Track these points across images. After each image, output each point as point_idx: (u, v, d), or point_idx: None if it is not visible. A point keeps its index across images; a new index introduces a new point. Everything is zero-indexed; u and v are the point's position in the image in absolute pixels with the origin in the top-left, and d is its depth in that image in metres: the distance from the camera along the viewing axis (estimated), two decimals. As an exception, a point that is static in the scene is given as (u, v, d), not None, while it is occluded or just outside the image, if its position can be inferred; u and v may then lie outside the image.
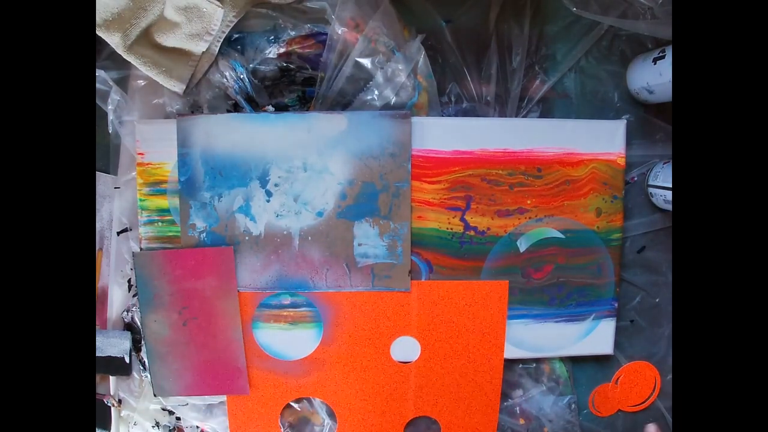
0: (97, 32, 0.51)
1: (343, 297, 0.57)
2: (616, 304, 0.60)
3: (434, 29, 0.56)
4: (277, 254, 0.57)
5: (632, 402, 0.63)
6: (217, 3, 0.52)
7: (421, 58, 0.55)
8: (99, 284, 0.59)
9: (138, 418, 0.61)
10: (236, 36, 0.55)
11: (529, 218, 0.58)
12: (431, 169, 0.56)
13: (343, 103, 0.56)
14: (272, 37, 0.55)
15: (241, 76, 0.55)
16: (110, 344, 0.59)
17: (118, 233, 0.58)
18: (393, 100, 0.55)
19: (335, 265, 0.57)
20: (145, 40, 0.53)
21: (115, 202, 0.58)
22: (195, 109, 0.57)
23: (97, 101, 0.56)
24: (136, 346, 0.60)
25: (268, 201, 0.56)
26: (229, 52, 0.55)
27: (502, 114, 0.58)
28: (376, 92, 0.55)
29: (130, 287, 0.59)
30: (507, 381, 0.61)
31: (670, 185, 0.55)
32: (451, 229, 0.57)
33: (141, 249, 0.57)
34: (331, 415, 0.60)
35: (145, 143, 0.56)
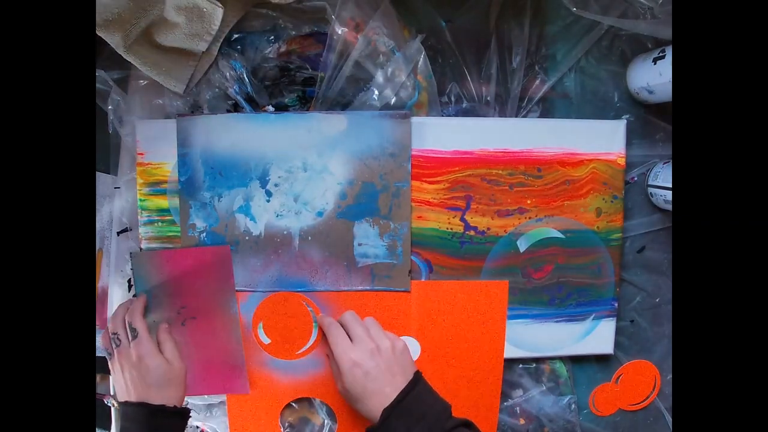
0: (97, 32, 0.51)
1: (343, 297, 0.57)
2: (616, 304, 0.60)
3: (434, 29, 0.56)
4: (277, 254, 0.57)
5: (632, 401, 0.63)
6: (217, 3, 0.52)
7: (421, 58, 0.55)
8: (99, 284, 0.59)
9: (138, 418, 0.61)
10: (236, 36, 0.55)
11: (529, 218, 0.58)
12: (431, 169, 0.56)
13: (343, 103, 0.56)
14: (272, 37, 0.55)
15: (241, 76, 0.55)
16: (110, 344, 0.59)
17: (118, 233, 0.58)
18: (393, 100, 0.55)
19: (335, 265, 0.57)
20: (145, 40, 0.53)
21: (115, 202, 0.58)
22: (195, 109, 0.57)
23: (97, 101, 0.56)
24: (136, 346, 0.59)
25: (268, 201, 0.56)
26: (229, 52, 0.55)
27: (502, 114, 0.58)
28: (376, 92, 0.55)
29: (130, 287, 0.59)
30: (507, 381, 0.61)
31: (670, 185, 0.55)
32: (451, 229, 0.57)
33: (141, 249, 0.57)
34: (331, 415, 0.60)
35: (145, 143, 0.56)
